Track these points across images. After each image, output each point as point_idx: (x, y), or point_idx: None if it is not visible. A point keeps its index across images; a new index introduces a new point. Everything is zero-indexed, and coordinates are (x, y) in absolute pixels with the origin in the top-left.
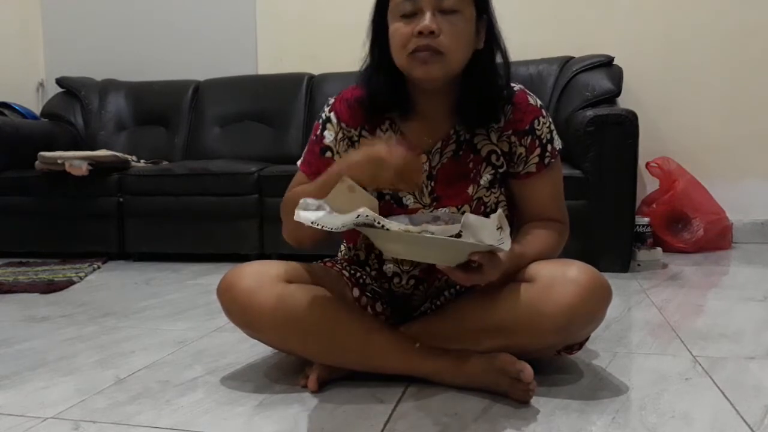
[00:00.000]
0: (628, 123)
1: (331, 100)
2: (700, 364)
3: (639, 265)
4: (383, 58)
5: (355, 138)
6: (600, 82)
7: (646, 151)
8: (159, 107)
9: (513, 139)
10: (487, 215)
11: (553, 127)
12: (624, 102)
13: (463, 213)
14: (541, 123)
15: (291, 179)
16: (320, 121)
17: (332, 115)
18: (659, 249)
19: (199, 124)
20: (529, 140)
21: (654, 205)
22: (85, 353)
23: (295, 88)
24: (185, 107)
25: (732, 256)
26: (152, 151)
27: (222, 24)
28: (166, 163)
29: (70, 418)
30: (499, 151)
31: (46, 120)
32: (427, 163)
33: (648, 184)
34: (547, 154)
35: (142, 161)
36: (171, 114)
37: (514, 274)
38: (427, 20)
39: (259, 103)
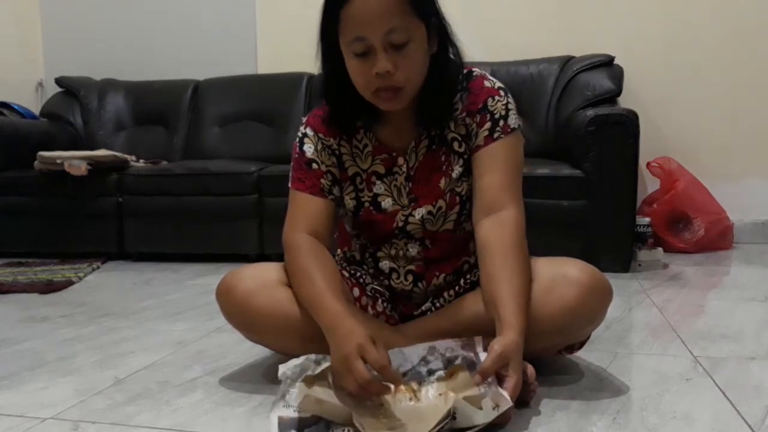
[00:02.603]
0: (629, 123)
1: (304, 119)
2: (700, 365)
3: (640, 265)
4: (337, 72)
5: (335, 147)
6: (600, 81)
7: (647, 150)
8: (158, 107)
9: (468, 120)
10: (462, 205)
11: (512, 106)
12: (624, 101)
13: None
14: (496, 100)
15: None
16: (297, 140)
17: (308, 129)
18: (660, 249)
19: (198, 124)
20: (479, 117)
21: (655, 205)
22: (84, 354)
23: (294, 87)
24: (185, 107)
25: (733, 256)
26: (151, 151)
27: (222, 24)
28: (166, 162)
29: (69, 418)
30: (459, 137)
31: (45, 120)
32: (405, 165)
33: (649, 184)
34: (498, 128)
35: (141, 161)
36: (170, 114)
37: (528, 323)
38: (381, 64)
39: (258, 103)
